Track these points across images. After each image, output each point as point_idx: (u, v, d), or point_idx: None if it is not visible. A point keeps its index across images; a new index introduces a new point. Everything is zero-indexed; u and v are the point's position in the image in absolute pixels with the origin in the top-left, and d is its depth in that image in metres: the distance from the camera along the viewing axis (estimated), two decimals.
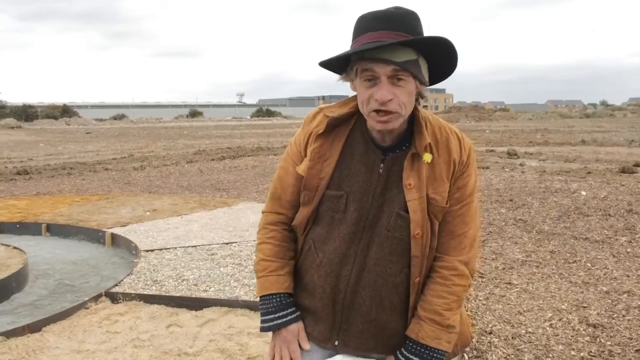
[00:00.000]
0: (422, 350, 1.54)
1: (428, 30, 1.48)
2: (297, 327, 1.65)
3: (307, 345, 1.64)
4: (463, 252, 1.58)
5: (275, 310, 1.64)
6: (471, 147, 1.61)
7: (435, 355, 1.54)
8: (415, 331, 1.55)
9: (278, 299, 1.64)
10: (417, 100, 1.55)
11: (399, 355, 1.57)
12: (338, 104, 1.64)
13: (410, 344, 1.56)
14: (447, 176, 1.55)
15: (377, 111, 1.46)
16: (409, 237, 1.53)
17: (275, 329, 1.64)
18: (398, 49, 1.41)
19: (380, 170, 1.56)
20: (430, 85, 1.54)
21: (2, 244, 5.94)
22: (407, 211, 1.52)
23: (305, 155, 1.65)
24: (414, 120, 1.57)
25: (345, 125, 1.61)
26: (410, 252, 1.54)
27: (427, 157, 1.53)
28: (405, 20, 1.43)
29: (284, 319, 1.63)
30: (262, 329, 1.65)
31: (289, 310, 1.64)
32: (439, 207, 1.54)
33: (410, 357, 1.55)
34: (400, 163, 1.55)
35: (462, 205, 1.57)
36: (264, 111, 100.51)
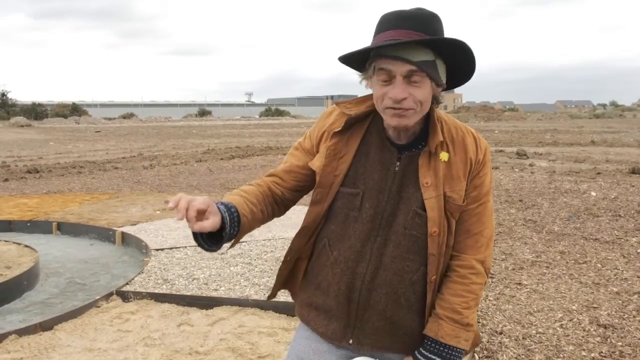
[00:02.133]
0: (442, 349, 1.54)
1: (447, 33, 1.49)
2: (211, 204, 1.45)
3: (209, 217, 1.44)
4: (480, 251, 1.58)
5: (219, 203, 1.51)
6: (487, 147, 1.62)
7: (454, 353, 1.54)
8: (434, 330, 1.55)
9: (228, 204, 1.53)
10: (432, 102, 1.56)
11: (418, 355, 1.56)
12: (355, 101, 1.64)
13: (429, 343, 1.56)
14: (463, 175, 1.56)
15: (392, 107, 1.48)
16: (426, 235, 1.53)
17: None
18: (415, 48, 1.42)
19: (396, 168, 1.56)
20: (448, 89, 1.55)
21: (14, 242, 5.99)
22: (424, 209, 1.53)
23: (317, 151, 1.66)
24: (429, 120, 1.57)
25: (362, 123, 1.62)
26: (426, 250, 1.54)
27: (443, 156, 1.54)
28: (426, 21, 1.44)
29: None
30: None
31: (225, 206, 1.50)
32: (456, 206, 1.54)
33: (430, 356, 1.55)
34: (416, 161, 1.56)
35: (478, 204, 1.58)
36: (272, 110, 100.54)
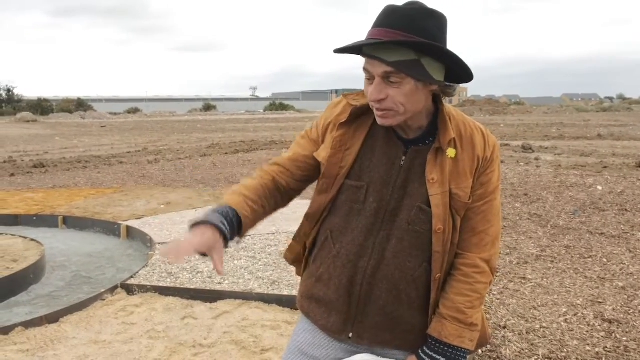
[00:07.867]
0: (446, 349, 1.52)
1: (451, 28, 1.43)
2: (214, 229, 1.45)
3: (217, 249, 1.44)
4: (485, 250, 1.56)
5: (216, 212, 1.51)
6: (495, 144, 1.58)
7: (458, 354, 1.52)
8: (438, 330, 1.53)
9: (226, 209, 1.53)
10: (439, 97, 1.53)
11: (422, 355, 1.55)
12: (362, 93, 1.61)
13: (433, 343, 1.54)
14: (470, 172, 1.53)
15: (375, 107, 1.47)
16: (430, 232, 1.50)
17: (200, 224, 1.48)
18: (392, 48, 1.37)
19: (402, 163, 1.54)
20: (455, 83, 1.49)
21: (20, 236, 6.02)
22: (429, 205, 1.50)
23: (323, 141, 1.64)
24: (437, 115, 1.55)
25: (369, 115, 1.58)
26: (430, 247, 1.51)
27: (451, 152, 1.51)
28: (412, 19, 1.37)
29: (209, 218, 1.47)
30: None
31: (223, 216, 1.50)
32: (461, 203, 1.52)
33: (434, 356, 1.53)
34: (423, 157, 1.53)
35: (484, 202, 1.55)
36: (277, 105, 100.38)
